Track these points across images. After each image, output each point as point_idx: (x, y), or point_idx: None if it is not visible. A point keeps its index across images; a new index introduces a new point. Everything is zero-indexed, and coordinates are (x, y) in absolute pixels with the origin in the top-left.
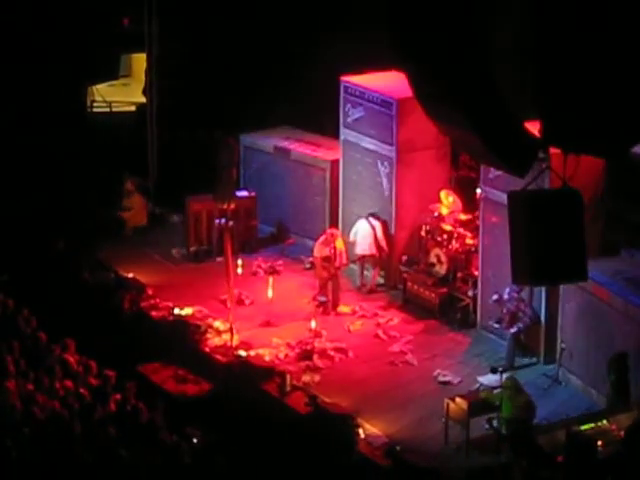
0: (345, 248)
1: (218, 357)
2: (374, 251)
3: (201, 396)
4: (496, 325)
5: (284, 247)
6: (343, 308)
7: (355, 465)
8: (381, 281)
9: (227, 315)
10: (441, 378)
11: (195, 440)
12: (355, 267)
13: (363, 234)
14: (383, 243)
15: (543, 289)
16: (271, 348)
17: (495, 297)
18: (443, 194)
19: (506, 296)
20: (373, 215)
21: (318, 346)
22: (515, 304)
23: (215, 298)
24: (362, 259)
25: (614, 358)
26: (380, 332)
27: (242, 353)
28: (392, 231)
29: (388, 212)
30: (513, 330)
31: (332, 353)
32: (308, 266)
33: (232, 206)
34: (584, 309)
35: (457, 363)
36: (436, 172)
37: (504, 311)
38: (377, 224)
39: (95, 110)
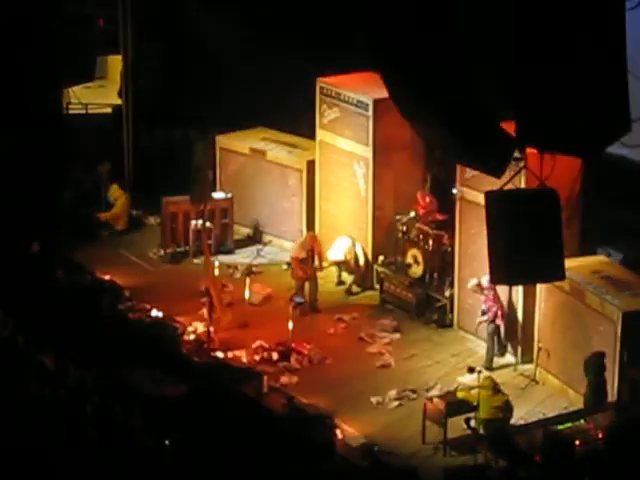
0: (322, 250)
1: (195, 358)
2: (348, 257)
3: (178, 397)
4: (482, 318)
5: (260, 248)
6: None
7: (333, 466)
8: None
9: (205, 316)
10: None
11: (171, 441)
12: (333, 269)
13: (341, 243)
14: (361, 259)
15: (520, 288)
16: (248, 349)
17: (474, 281)
18: (419, 194)
19: (485, 284)
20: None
21: (296, 347)
22: (492, 294)
23: (192, 299)
24: (339, 264)
25: (591, 358)
26: (364, 334)
27: (219, 354)
28: (369, 232)
29: (364, 213)
30: (494, 323)
31: (310, 353)
32: (285, 267)
33: (208, 207)
34: (561, 308)
35: (434, 363)
36: (412, 172)
37: (483, 299)
38: (357, 244)
39: (71, 112)
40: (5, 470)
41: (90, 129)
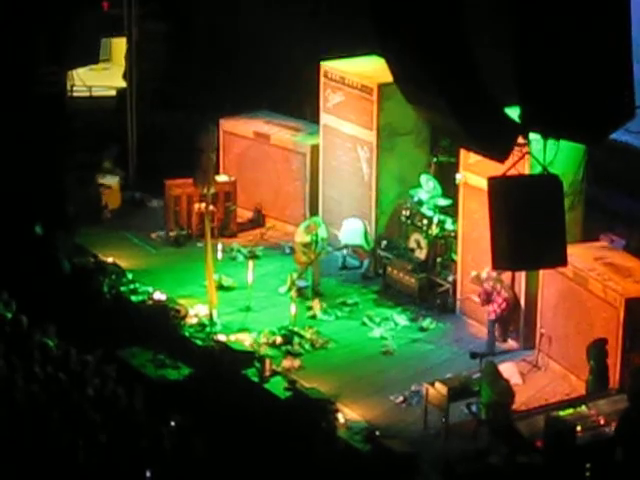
0: (326, 236)
1: (197, 342)
2: (361, 241)
3: (180, 381)
4: (475, 299)
5: (264, 232)
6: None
7: (335, 450)
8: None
9: (207, 300)
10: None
11: (173, 424)
12: (338, 254)
13: (353, 226)
14: (370, 238)
15: (523, 274)
16: (251, 333)
17: (474, 273)
18: (423, 179)
19: (484, 275)
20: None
21: (298, 331)
22: (491, 284)
23: (195, 282)
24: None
25: (593, 344)
26: (366, 319)
27: (222, 337)
28: (372, 217)
29: (368, 197)
30: (490, 317)
31: (312, 338)
32: (288, 251)
33: (212, 190)
34: (563, 294)
35: (437, 349)
36: (416, 157)
37: (480, 289)
38: (366, 222)
39: (75, 94)
40: (6, 452)
41: (94, 111)
